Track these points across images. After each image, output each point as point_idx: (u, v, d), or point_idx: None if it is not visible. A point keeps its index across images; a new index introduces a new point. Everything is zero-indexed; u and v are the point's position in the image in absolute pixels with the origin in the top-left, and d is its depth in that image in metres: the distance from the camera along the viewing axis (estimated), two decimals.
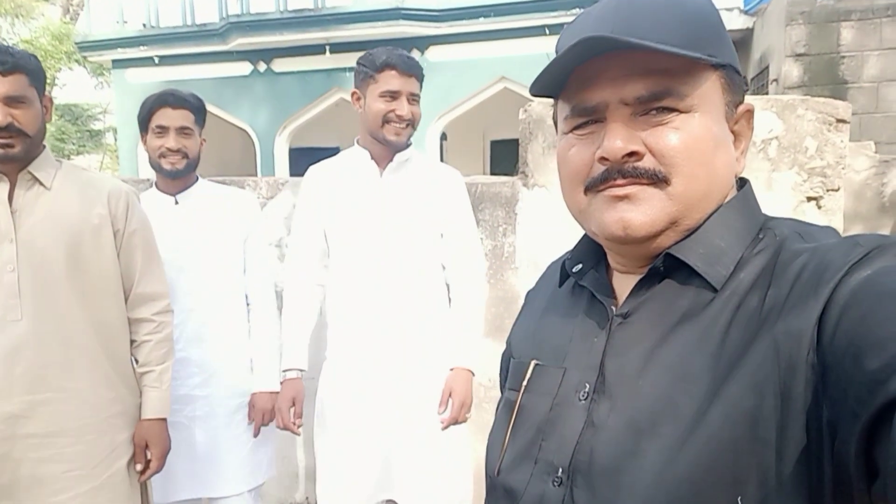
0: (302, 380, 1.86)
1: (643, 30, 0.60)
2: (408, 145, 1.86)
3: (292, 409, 1.82)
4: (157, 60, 9.48)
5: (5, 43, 1.63)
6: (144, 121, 1.93)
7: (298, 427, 1.83)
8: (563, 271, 0.76)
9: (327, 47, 8.63)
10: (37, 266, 1.52)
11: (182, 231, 1.93)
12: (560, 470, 0.63)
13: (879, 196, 3.25)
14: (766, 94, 5.87)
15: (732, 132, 0.67)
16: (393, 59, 1.77)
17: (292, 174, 9.35)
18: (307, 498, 2.51)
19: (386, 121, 1.77)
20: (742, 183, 0.69)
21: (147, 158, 1.97)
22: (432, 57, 8.48)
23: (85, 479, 1.53)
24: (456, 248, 1.84)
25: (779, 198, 2.09)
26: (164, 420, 1.69)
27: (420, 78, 1.81)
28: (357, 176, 1.83)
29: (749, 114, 0.69)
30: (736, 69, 0.67)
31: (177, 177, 1.95)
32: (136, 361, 1.69)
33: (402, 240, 1.78)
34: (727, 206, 0.65)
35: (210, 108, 9.55)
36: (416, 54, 8.47)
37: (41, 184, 1.55)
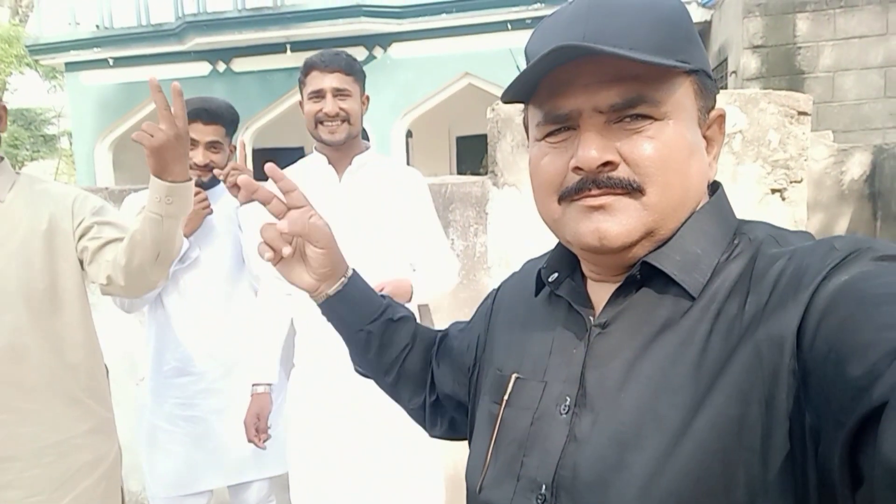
0: (269, 394, 1.84)
1: (615, 36, 0.59)
2: (366, 148, 1.85)
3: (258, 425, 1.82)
4: (111, 62, 9.23)
5: None
6: None
7: (263, 441, 1.81)
8: (538, 280, 0.75)
9: (288, 46, 8.51)
10: None
11: (203, 240, 1.93)
12: (543, 487, 0.62)
13: (839, 184, 3.33)
14: (725, 85, 5.97)
15: (705, 137, 0.66)
16: (313, 59, 1.76)
17: (256, 175, 9.19)
18: None
19: (318, 121, 1.75)
20: (714, 188, 0.69)
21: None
22: (395, 54, 8.43)
23: None
24: (424, 247, 1.82)
25: (744, 191, 2.11)
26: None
27: (349, 71, 1.76)
28: (316, 182, 1.81)
29: (721, 118, 0.69)
30: (708, 74, 0.66)
31: (205, 188, 1.95)
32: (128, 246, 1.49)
33: (365, 243, 1.76)
34: (701, 212, 0.65)
35: None
36: (378, 51, 8.42)
37: None
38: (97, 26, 9.27)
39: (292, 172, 1.90)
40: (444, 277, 1.82)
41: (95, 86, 9.48)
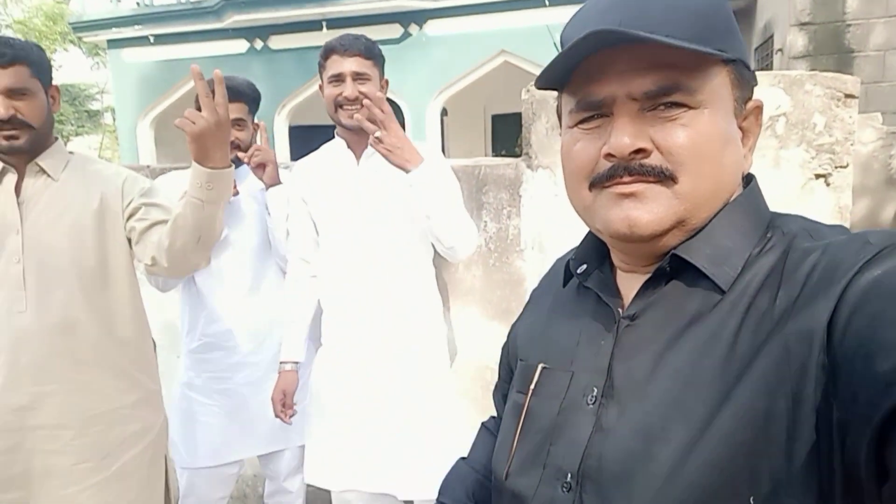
0: (296, 372, 1.89)
1: (653, 22, 0.58)
2: None
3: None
4: (152, 40, 9.38)
5: (6, 35, 1.60)
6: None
7: (289, 417, 1.87)
8: (566, 271, 0.75)
9: (324, 23, 8.52)
10: (42, 257, 1.51)
11: (231, 220, 1.97)
12: (569, 475, 0.63)
13: (887, 168, 3.22)
14: (770, 64, 5.78)
15: (740, 128, 0.65)
16: (332, 43, 1.76)
17: (293, 152, 9.30)
18: None
19: (337, 105, 1.75)
20: (748, 179, 0.68)
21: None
22: (431, 31, 8.37)
23: (93, 471, 1.54)
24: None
25: (786, 176, 2.06)
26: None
27: (368, 55, 1.75)
28: (336, 166, 1.83)
29: (758, 110, 0.67)
30: (746, 64, 0.65)
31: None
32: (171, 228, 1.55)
33: (382, 224, 1.76)
34: (734, 204, 0.64)
35: None
36: (413, 29, 8.37)
37: (48, 175, 1.54)
38: (137, 3, 9.41)
39: (315, 157, 1.93)
40: (461, 219, 1.75)
41: (137, 63, 9.65)
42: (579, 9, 0.67)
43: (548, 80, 0.65)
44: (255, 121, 2.06)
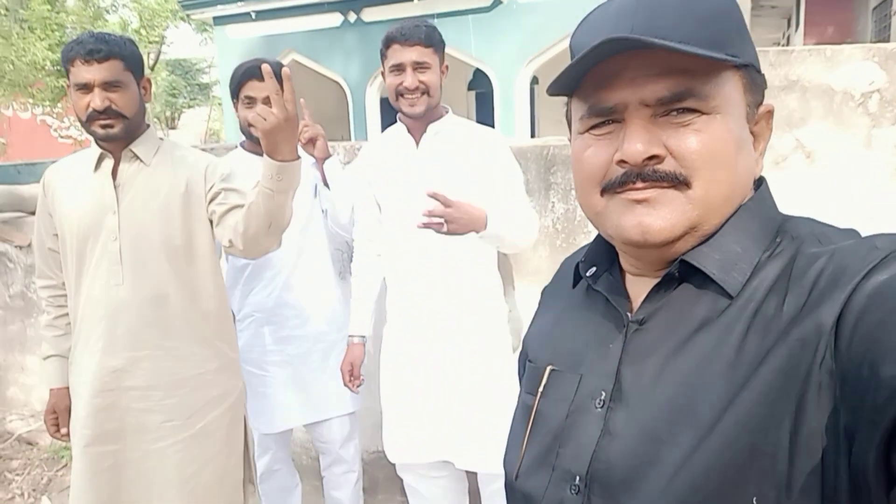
0: (363, 345, 1.99)
1: (664, 29, 0.58)
2: (445, 112, 1.88)
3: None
4: (253, 16, 9.74)
5: (103, 31, 1.74)
6: (235, 91, 2.04)
7: (357, 387, 1.98)
8: (576, 273, 0.75)
9: None
10: (135, 235, 1.66)
11: None
12: (577, 478, 0.64)
13: None
14: (889, 26, 5.27)
15: (752, 133, 0.65)
16: (393, 32, 1.79)
17: (383, 124, 9.48)
18: None
19: (398, 93, 1.79)
20: (759, 183, 0.67)
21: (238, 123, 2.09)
22: None
23: (180, 428, 1.71)
24: (502, 205, 1.83)
25: (878, 157, 1.92)
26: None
27: (428, 43, 1.77)
28: (396, 150, 1.89)
29: (769, 114, 0.67)
30: (757, 69, 0.64)
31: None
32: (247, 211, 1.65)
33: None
34: (744, 209, 0.63)
35: (304, 60, 9.70)
36: None
37: (141, 160, 1.69)
38: None
39: (379, 141, 2.00)
40: (522, 226, 1.80)
41: (240, 39, 10.09)
42: (588, 14, 0.67)
43: (559, 87, 0.65)
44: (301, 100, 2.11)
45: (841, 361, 0.51)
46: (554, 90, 0.66)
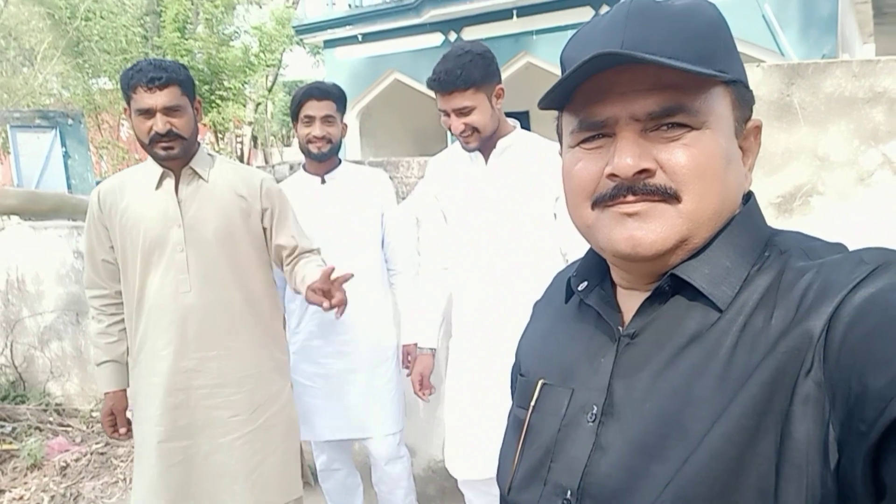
0: (432, 356, 2.03)
1: (655, 43, 0.59)
2: (512, 128, 1.91)
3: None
4: (360, 38, 10.18)
5: (160, 58, 1.90)
6: (295, 111, 2.18)
7: (427, 396, 2.02)
8: (568, 288, 0.76)
9: (514, 11, 8.61)
10: (199, 246, 1.80)
11: (328, 206, 2.18)
12: (569, 492, 0.65)
13: None
14: None
15: (741, 148, 0.65)
16: (432, 83, 1.82)
17: None
18: None
19: (455, 133, 1.85)
20: (747, 197, 0.67)
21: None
22: None
23: (245, 422, 1.84)
24: (568, 226, 1.83)
25: None
26: None
27: (466, 85, 1.76)
28: (466, 165, 1.93)
29: (757, 129, 0.67)
30: (745, 84, 0.64)
31: (322, 160, 2.19)
32: (297, 273, 1.88)
33: (508, 224, 1.83)
34: (734, 224, 0.64)
35: (405, 79, 9.95)
36: (604, 10, 8.13)
37: (200, 177, 1.83)
38: (349, 6, 10.27)
39: (448, 154, 2.04)
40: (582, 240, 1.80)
41: (347, 60, 10.58)
42: (578, 29, 0.69)
43: (550, 102, 0.67)
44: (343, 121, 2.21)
45: (829, 373, 0.51)
46: (545, 104, 0.67)
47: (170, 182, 1.83)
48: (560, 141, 0.72)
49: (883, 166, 1.79)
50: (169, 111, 1.74)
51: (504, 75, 6.93)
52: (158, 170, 1.82)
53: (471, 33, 9.28)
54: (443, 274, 2.05)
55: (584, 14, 8.31)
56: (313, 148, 2.15)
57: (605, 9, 8.14)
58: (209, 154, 1.91)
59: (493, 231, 1.87)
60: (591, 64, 0.59)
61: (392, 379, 2.23)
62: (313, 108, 2.12)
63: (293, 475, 1.95)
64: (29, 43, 13.68)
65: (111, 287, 1.90)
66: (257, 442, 1.85)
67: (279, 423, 1.91)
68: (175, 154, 1.78)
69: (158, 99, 1.71)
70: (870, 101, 1.78)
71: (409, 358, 2.21)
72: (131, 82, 1.72)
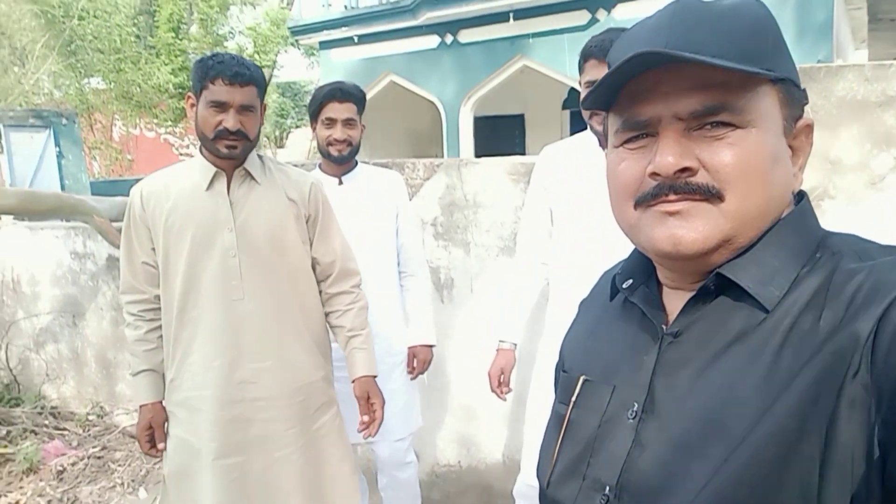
0: (513, 351, 1.97)
1: (699, 42, 0.59)
2: None
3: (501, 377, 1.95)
4: (356, 40, 10.16)
5: (242, 55, 1.83)
6: (315, 112, 2.14)
7: (505, 394, 1.95)
8: (613, 286, 0.76)
9: (511, 14, 8.61)
10: (251, 251, 1.72)
11: (346, 208, 2.14)
12: (608, 488, 0.65)
13: None
14: None
15: (791, 147, 0.64)
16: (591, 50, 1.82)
17: (476, 142, 9.58)
18: (459, 462, 2.68)
19: (591, 114, 1.82)
20: (800, 197, 0.66)
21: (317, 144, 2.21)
22: (619, 16, 8.07)
23: (300, 434, 1.77)
24: None
25: None
26: (375, 377, 1.88)
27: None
28: (585, 157, 1.84)
29: (808, 128, 0.66)
30: (795, 82, 0.63)
31: (342, 162, 2.17)
32: (337, 329, 1.88)
33: None
34: (783, 223, 0.63)
35: (401, 81, 9.99)
36: (601, 14, 8.15)
37: (253, 178, 1.75)
38: (345, 7, 10.25)
39: (565, 144, 1.97)
40: None
41: (342, 61, 10.55)
42: (628, 29, 0.69)
43: (594, 102, 0.67)
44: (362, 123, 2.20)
45: (876, 376, 0.50)
46: (589, 104, 0.68)
47: (222, 183, 1.74)
48: (606, 141, 0.72)
49: (894, 170, 1.79)
50: (243, 109, 1.67)
51: (500, 78, 7.00)
52: (210, 169, 1.73)
53: (467, 36, 9.27)
54: (541, 269, 1.97)
55: (580, 17, 8.33)
56: (333, 151, 2.13)
57: (601, 13, 8.17)
58: (258, 155, 1.83)
59: (604, 225, 1.76)
60: (631, 64, 0.59)
61: (404, 383, 2.21)
62: (335, 110, 2.09)
63: (349, 486, 1.88)
64: (21, 42, 13.59)
65: (150, 291, 1.80)
66: (313, 451, 1.79)
67: (331, 433, 1.85)
68: (237, 154, 1.70)
69: (237, 95, 1.65)
70: (882, 105, 1.78)
71: (416, 360, 2.20)
72: (210, 73, 1.63)
